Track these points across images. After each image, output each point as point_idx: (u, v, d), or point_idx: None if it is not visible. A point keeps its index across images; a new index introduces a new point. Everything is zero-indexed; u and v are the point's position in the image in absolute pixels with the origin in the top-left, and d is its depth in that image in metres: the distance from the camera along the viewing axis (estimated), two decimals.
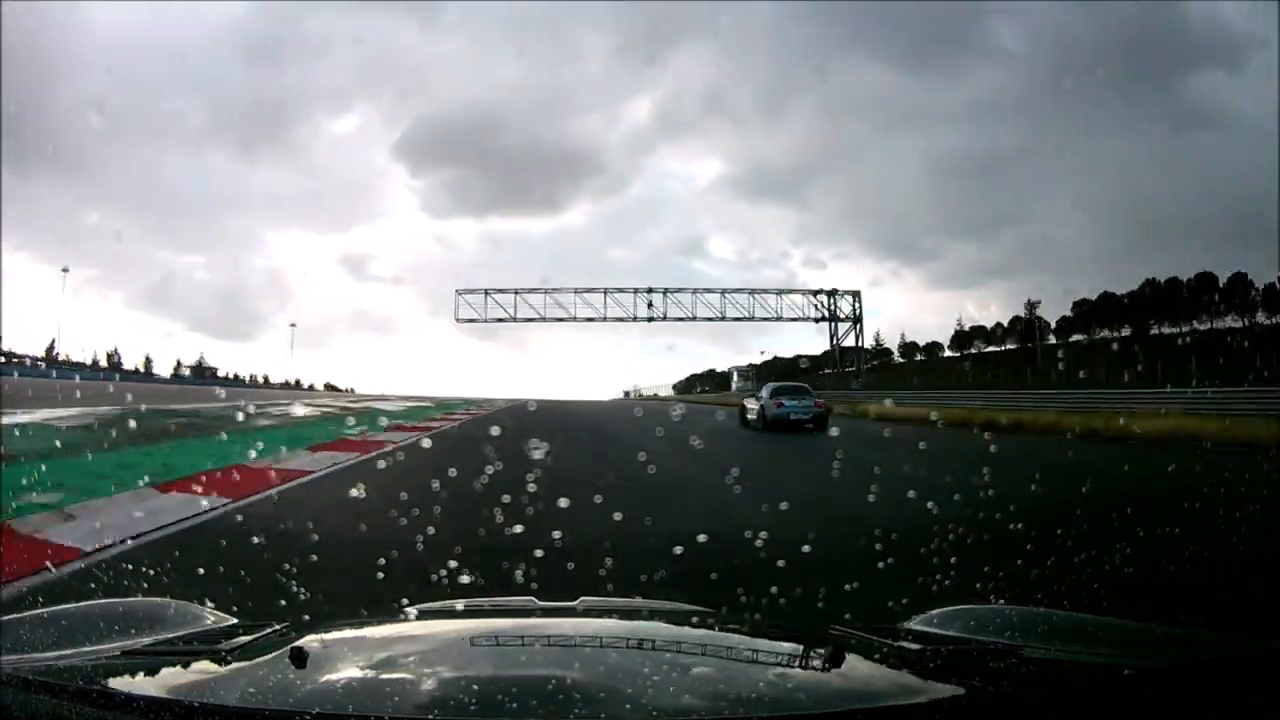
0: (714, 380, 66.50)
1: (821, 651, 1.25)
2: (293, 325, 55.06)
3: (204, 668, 1.20)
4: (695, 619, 1.70)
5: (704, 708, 1.08)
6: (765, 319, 47.10)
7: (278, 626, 1.44)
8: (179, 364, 59.79)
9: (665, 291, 47.14)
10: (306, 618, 1.68)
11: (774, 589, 3.13)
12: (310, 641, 1.29)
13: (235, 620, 1.55)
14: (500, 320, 46.56)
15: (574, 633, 1.51)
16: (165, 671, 1.17)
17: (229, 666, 1.19)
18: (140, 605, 1.64)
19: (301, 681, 1.12)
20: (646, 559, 3.80)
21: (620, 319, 46.59)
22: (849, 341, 47.96)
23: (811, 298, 47.45)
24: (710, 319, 47.02)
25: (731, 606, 3.08)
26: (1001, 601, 2.40)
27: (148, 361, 57.21)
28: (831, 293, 47.79)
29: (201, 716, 0.93)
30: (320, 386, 60.27)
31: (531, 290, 46.47)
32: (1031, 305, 55.28)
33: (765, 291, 47.91)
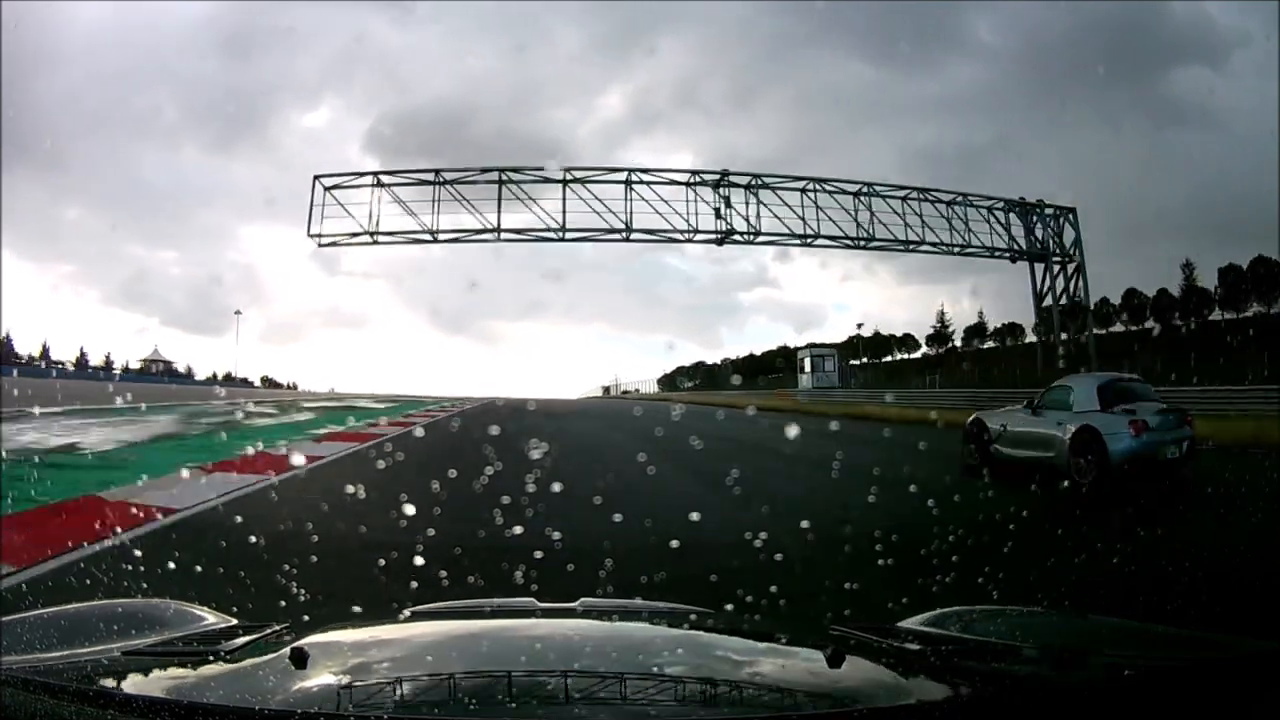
0: (703, 373, 58.68)
1: (821, 651, 1.25)
2: (238, 313, 47.07)
3: (204, 668, 1.20)
4: (695, 620, 1.70)
5: (704, 708, 1.08)
6: (935, 249, 26.77)
7: (277, 627, 1.44)
8: (82, 352, 55.84)
9: (753, 183, 25.10)
10: (306, 618, 1.68)
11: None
12: (310, 642, 1.29)
13: (235, 621, 1.55)
14: (402, 238, 23.81)
15: (574, 634, 1.51)
16: (165, 672, 1.17)
17: (229, 667, 1.19)
18: (140, 606, 1.64)
19: (302, 682, 1.12)
20: None
21: (662, 236, 24.40)
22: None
23: (999, 218, 26.91)
24: (839, 240, 25.87)
25: (731, 606, 3.07)
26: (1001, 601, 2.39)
27: (44, 350, 53.56)
28: (1035, 206, 27.37)
29: (202, 717, 0.93)
30: (258, 382, 55.94)
31: (465, 176, 23.80)
32: (1188, 268, 38.20)
33: (935, 194, 26.26)
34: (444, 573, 3.54)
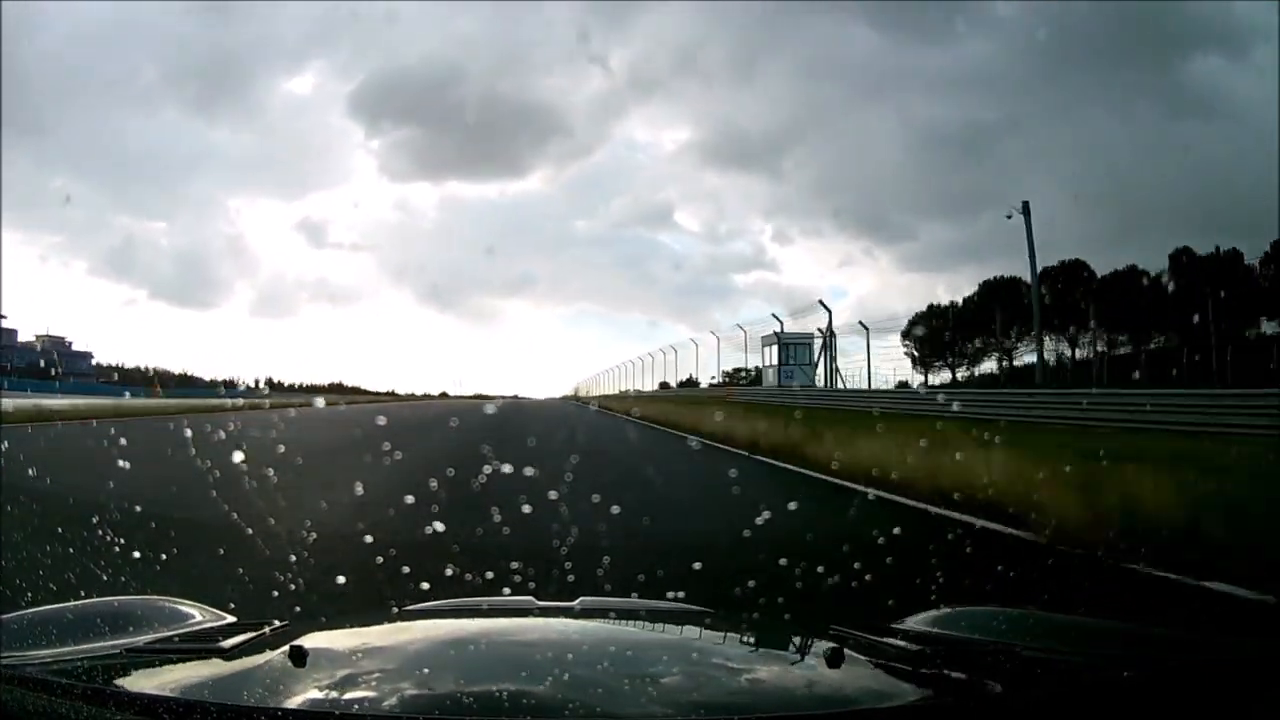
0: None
1: (821, 651, 1.25)
2: None
3: (204, 666, 1.20)
4: (695, 619, 1.70)
5: (704, 708, 1.08)
6: None
7: (276, 624, 1.44)
8: None
9: None
10: (297, 609, 1.68)
11: None
12: (310, 640, 1.29)
13: (233, 618, 1.55)
14: None
15: (573, 632, 1.51)
16: (165, 670, 1.17)
17: (229, 665, 1.19)
18: (139, 604, 1.64)
19: (302, 680, 1.12)
20: None
21: None
22: None
23: None
24: None
25: (731, 606, 3.07)
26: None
27: None
28: None
29: (202, 715, 0.92)
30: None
31: None
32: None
33: None
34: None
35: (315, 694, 1.08)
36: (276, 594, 3.28)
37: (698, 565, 3.83)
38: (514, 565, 3.63)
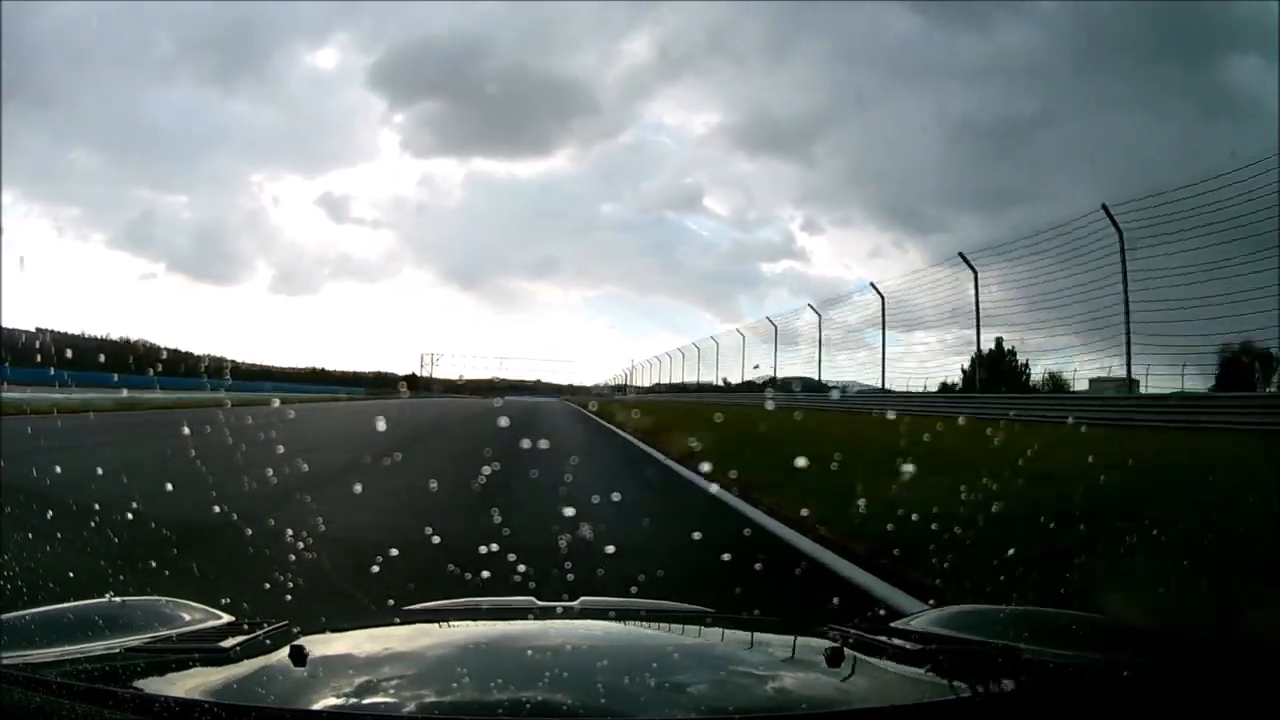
0: None
1: (820, 651, 1.25)
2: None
3: (205, 666, 1.20)
4: (695, 619, 1.70)
5: (704, 707, 1.08)
6: None
7: (277, 624, 1.44)
8: None
9: None
10: (305, 616, 1.68)
11: None
12: (311, 640, 1.29)
13: (234, 618, 1.55)
14: None
15: (574, 632, 1.51)
16: (165, 670, 1.17)
17: (230, 665, 1.18)
18: (140, 604, 1.64)
19: (303, 680, 1.12)
20: None
21: None
22: None
23: None
24: None
25: (730, 606, 3.08)
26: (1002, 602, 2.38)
27: None
28: None
29: (202, 715, 0.92)
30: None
31: None
32: None
33: None
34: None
35: (315, 694, 1.08)
36: None
37: None
38: None
